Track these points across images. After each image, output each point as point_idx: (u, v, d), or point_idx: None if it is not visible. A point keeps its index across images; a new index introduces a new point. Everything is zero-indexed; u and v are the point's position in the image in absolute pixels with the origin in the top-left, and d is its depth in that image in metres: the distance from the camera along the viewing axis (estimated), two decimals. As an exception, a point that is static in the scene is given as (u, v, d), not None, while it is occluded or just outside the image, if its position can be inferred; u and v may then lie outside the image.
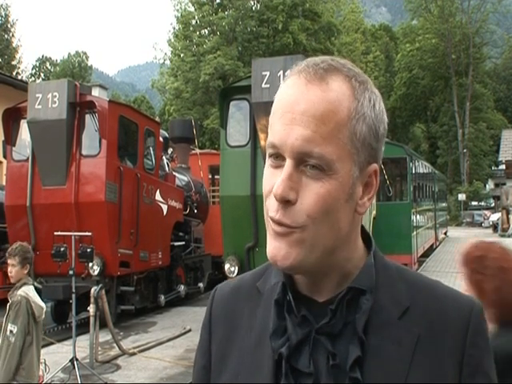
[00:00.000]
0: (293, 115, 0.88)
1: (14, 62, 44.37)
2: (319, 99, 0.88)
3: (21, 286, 4.68)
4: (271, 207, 0.91)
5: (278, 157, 0.91)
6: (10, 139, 10.15)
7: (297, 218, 0.88)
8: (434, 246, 22.39)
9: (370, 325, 0.91)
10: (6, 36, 43.80)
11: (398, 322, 0.92)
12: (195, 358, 1.11)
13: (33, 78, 53.62)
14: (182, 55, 41.74)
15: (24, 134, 10.06)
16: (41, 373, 5.74)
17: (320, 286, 0.96)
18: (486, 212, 41.10)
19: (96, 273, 9.15)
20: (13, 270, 4.71)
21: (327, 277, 0.95)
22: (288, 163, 0.89)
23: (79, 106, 9.66)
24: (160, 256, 11.27)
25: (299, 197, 0.88)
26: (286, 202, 0.88)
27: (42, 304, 4.78)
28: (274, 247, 0.91)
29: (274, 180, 0.90)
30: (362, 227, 1.01)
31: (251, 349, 0.98)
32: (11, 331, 4.52)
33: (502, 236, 30.09)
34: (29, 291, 4.69)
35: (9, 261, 4.76)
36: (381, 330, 0.92)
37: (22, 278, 4.72)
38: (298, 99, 0.88)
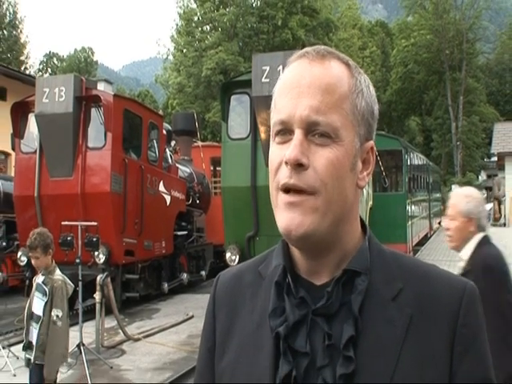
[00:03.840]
0: (300, 89, 0.92)
1: (22, 58, 44.25)
2: (323, 74, 0.93)
3: (54, 271, 4.67)
4: (283, 176, 0.91)
5: (286, 132, 0.93)
6: (19, 132, 10.25)
7: (311, 182, 0.90)
8: (429, 235, 22.42)
9: (364, 305, 0.92)
10: (14, 32, 43.77)
11: (391, 303, 0.93)
12: (200, 341, 1.12)
13: (40, 73, 53.46)
14: (184, 51, 41.72)
15: (32, 127, 10.12)
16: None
17: (319, 268, 0.97)
18: (479, 202, 41.00)
19: (102, 261, 9.23)
20: (37, 261, 4.62)
21: (329, 255, 0.96)
22: (298, 132, 0.91)
23: (85, 100, 9.74)
24: (163, 245, 11.31)
25: (310, 162, 0.90)
26: (298, 167, 0.90)
27: (72, 284, 4.84)
28: (288, 218, 0.91)
29: (282, 153, 0.92)
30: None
31: (253, 330, 1.00)
32: (57, 316, 4.48)
33: (494, 226, 30.19)
34: (62, 274, 4.72)
35: (30, 254, 4.68)
36: (375, 310, 0.93)
37: (50, 264, 4.67)
38: (304, 75, 0.93)
